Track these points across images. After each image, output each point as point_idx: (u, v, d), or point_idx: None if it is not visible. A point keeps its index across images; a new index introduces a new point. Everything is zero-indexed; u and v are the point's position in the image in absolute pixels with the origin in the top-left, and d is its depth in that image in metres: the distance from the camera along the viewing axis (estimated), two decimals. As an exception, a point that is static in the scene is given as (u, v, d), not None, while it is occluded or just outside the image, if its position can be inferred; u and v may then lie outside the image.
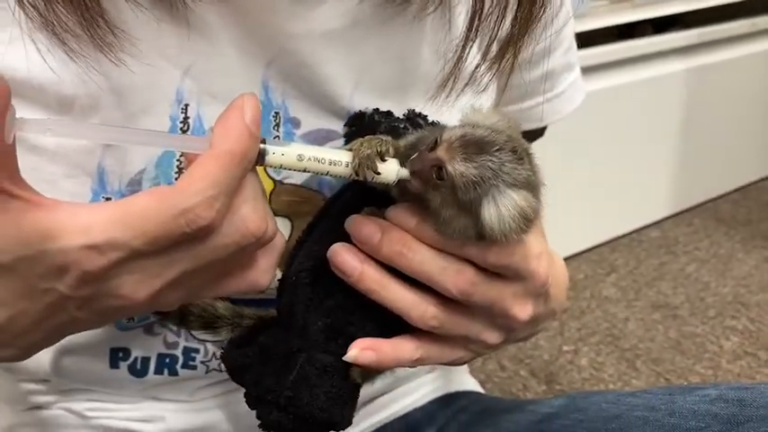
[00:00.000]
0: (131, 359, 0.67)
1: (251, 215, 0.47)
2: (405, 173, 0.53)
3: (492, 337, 0.60)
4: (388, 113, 0.63)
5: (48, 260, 0.44)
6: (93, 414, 0.71)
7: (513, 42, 0.66)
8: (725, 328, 1.90)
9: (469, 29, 0.64)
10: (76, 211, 0.44)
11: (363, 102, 0.64)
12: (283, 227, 0.65)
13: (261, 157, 0.50)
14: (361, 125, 0.63)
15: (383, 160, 0.53)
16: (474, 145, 0.51)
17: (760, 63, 2.52)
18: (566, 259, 2.02)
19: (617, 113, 2.16)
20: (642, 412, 0.66)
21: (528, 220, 0.51)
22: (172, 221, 0.44)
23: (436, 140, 0.52)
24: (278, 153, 0.51)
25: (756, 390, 0.61)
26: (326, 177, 0.64)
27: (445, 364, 0.61)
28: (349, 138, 0.63)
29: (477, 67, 0.67)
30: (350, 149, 0.53)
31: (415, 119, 0.63)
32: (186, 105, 0.60)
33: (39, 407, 0.72)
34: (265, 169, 0.64)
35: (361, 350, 0.56)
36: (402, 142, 0.57)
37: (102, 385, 0.70)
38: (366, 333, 0.57)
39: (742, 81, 2.49)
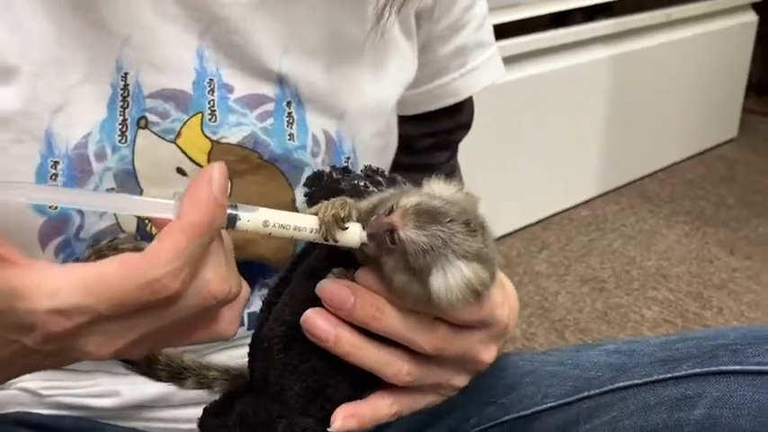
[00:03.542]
0: None
1: (213, 279, 0.49)
2: (364, 236, 0.55)
3: (461, 380, 0.63)
4: (346, 170, 0.66)
5: (15, 317, 0.46)
6: (49, 392, 0.74)
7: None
8: (647, 299, 2.02)
9: None
10: (47, 274, 0.46)
11: (292, 66, 0.70)
12: None
13: (232, 222, 0.53)
14: (320, 185, 0.64)
15: (345, 225, 0.55)
16: (427, 213, 0.53)
17: (677, 51, 2.64)
18: (500, 238, 2.13)
19: (548, 98, 2.25)
20: (552, 367, 0.75)
21: (475, 293, 0.53)
22: (137, 291, 0.46)
23: (392, 206, 0.54)
24: (244, 219, 0.53)
25: (645, 342, 0.71)
26: (263, 137, 0.70)
27: (417, 410, 0.63)
28: (310, 199, 0.64)
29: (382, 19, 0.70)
30: (314, 213, 0.55)
31: (374, 176, 0.64)
32: (126, 74, 0.65)
33: (-7, 388, 0.75)
34: (202, 128, 0.69)
35: (343, 420, 0.57)
36: (364, 204, 0.58)
37: None
38: (342, 393, 0.58)
39: (663, 68, 2.61)
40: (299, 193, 0.73)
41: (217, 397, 0.65)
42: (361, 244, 0.55)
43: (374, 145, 0.79)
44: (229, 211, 0.52)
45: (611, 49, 2.41)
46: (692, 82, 2.77)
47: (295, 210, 0.74)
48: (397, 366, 0.58)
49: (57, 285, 0.46)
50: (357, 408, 0.59)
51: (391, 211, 0.54)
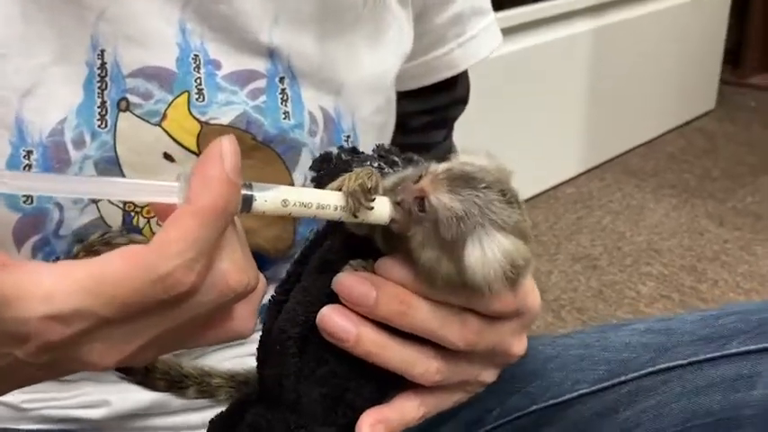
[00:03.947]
0: None
1: (231, 270, 0.43)
2: (393, 211, 0.49)
3: (490, 375, 0.58)
4: (354, 150, 0.60)
5: (4, 327, 0.40)
6: (31, 405, 0.69)
7: None
8: (641, 275, 2.00)
9: None
10: (40, 276, 0.40)
11: (284, 37, 0.65)
12: None
13: (247, 204, 0.46)
14: (328, 168, 0.58)
15: (372, 197, 0.49)
16: (460, 179, 0.48)
17: (655, 22, 2.63)
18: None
19: (529, 75, 2.22)
20: (578, 350, 0.70)
21: (516, 268, 0.47)
22: (147, 288, 0.40)
23: (421, 174, 0.49)
24: (261, 199, 0.47)
25: (679, 319, 0.66)
26: (255, 115, 0.64)
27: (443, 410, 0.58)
28: (318, 184, 0.57)
29: None
30: (338, 189, 0.49)
31: (387, 156, 0.58)
32: (102, 51, 0.60)
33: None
34: (189, 109, 0.63)
35: (371, 427, 0.52)
36: (385, 183, 0.52)
37: None
38: (365, 397, 0.53)
39: (641, 40, 2.60)
40: (298, 177, 0.68)
41: (222, 407, 0.59)
42: (390, 221, 0.49)
43: (374, 122, 0.74)
44: (243, 191, 0.46)
45: (593, 22, 2.38)
46: (670, 54, 2.76)
47: None
48: (426, 365, 0.53)
49: (51, 288, 0.40)
50: (383, 413, 0.53)
51: (419, 178, 0.49)
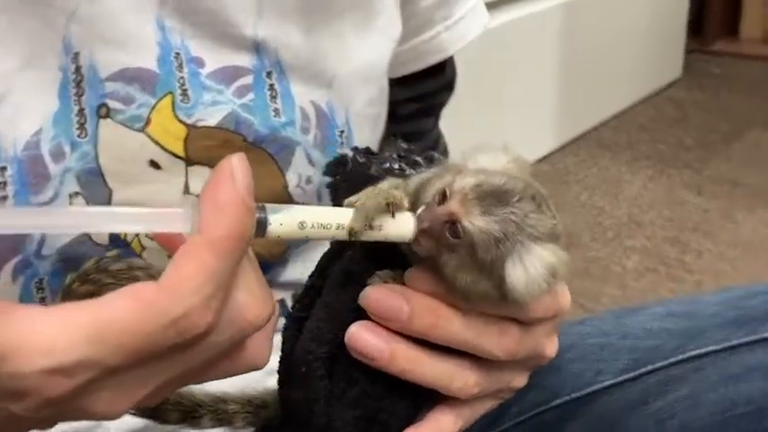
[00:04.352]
0: None
1: (248, 303, 0.40)
2: (413, 230, 0.46)
3: (521, 380, 0.56)
4: (369, 151, 0.56)
5: (1, 383, 0.36)
6: None
7: None
8: (625, 249, 2.00)
9: None
10: (40, 324, 0.36)
11: (270, 30, 0.61)
12: (204, 176, 0.61)
13: (261, 229, 0.42)
14: (344, 172, 0.55)
15: (393, 216, 0.46)
16: (491, 195, 0.44)
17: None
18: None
19: (500, 53, 2.19)
20: (596, 339, 0.67)
21: (556, 278, 0.45)
22: (159, 333, 0.36)
23: (445, 192, 0.46)
24: (276, 223, 0.43)
25: (700, 301, 0.64)
26: (244, 115, 0.61)
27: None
28: (335, 189, 0.55)
29: None
30: (354, 205, 0.46)
31: (408, 155, 0.55)
32: (76, 54, 0.56)
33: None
34: (174, 111, 0.59)
35: None
36: (408, 187, 0.50)
37: None
38: (399, 416, 0.51)
39: (611, 12, 2.59)
40: (292, 178, 0.65)
41: None
42: (412, 242, 0.46)
43: (368, 114, 0.72)
44: (257, 214, 0.42)
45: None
46: (637, 25, 2.77)
47: (289, 198, 0.66)
48: (464, 378, 0.50)
49: (51, 337, 0.35)
50: (421, 431, 0.50)
51: (444, 197, 0.45)
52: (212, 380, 0.43)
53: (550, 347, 0.54)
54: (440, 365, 0.49)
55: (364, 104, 0.70)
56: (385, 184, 0.47)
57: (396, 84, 0.79)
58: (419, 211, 0.46)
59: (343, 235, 0.45)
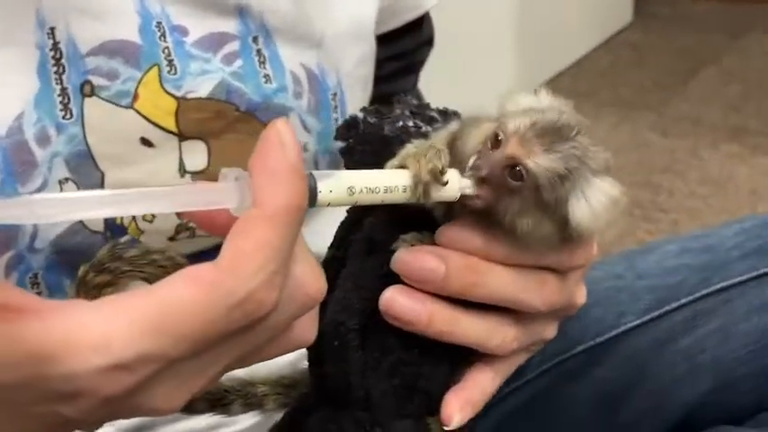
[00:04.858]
0: None
1: (308, 276, 0.38)
2: (466, 183, 0.44)
3: (553, 331, 0.54)
4: (378, 111, 0.53)
5: (47, 387, 0.33)
6: None
7: None
8: (597, 195, 2.00)
9: None
10: (85, 317, 0.33)
11: None
12: (199, 151, 0.59)
13: (312, 198, 0.40)
14: (357, 134, 0.52)
15: (444, 179, 0.43)
16: (550, 132, 0.43)
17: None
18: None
19: (455, 9, 2.16)
20: (611, 282, 0.67)
21: (620, 210, 0.44)
22: (223, 317, 0.34)
23: (497, 135, 0.44)
24: (326, 190, 0.41)
25: (714, 234, 0.63)
26: (235, 83, 0.59)
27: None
28: (349, 153, 0.52)
29: None
30: (401, 167, 0.44)
31: (423, 112, 0.53)
32: (52, 29, 0.53)
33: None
34: (161, 84, 0.56)
35: (460, 413, 0.48)
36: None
37: None
38: (439, 380, 0.49)
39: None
40: None
41: (274, 418, 0.53)
42: (463, 196, 0.44)
43: (359, 75, 0.70)
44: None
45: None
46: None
47: None
48: (502, 334, 0.49)
49: (105, 331, 0.32)
50: (465, 394, 0.49)
51: (497, 141, 0.43)
52: (262, 361, 0.41)
53: (580, 296, 0.53)
54: (478, 323, 0.48)
55: (355, 64, 0.68)
56: (429, 146, 0.45)
57: (376, 43, 0.78)
58: (471, 160, 0.44)
59: (403, 197, 0.43)
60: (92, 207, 0.35)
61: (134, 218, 0.58)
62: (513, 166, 0.43)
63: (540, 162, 0.42)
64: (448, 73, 2.18)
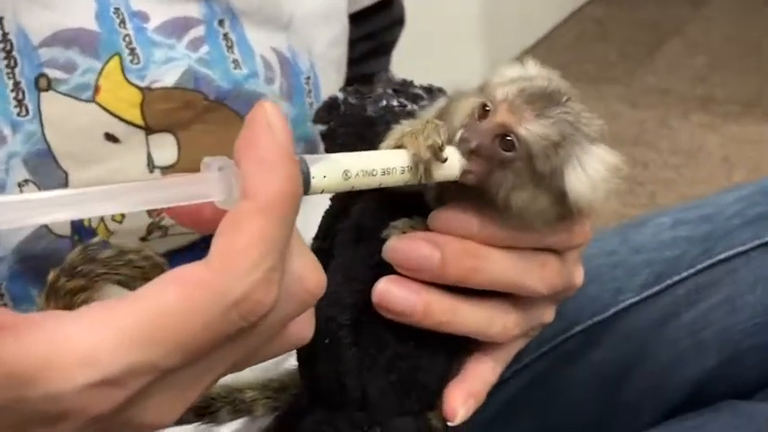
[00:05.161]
0: None
1: (307, 271, 0.35)
2: (463, 160, 0.41)
3: (551, 314, 0.52)
4: (358, 91, 0.50)
5: (32, 409, 0.30)
6: None
7: None
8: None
9: None
10: (67, 331, 0.30)
11: None
12: (168, 144, 0.55)
13: (305, 183, 0.37)
14: (338, 116, 0.49)
15: (444, 156, 0.40)
16: (540, 97, 0.40)
17: None
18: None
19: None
20: (604, 259, 0.65)
21: (620, 178, 0.42)
22: (220, 321, 0.31)
23: (485, 105, 0.41)
24: (319, 175, 0.37)
25: (711, 204, 0.61)
26: (202, 70, 0.55)
27: None
28: (331, 136, 0.49)
29: None
30: (398, 146, 0.41)
31: (405, 89, 0.49)
32: (0, 18, 0.49)
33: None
34: (124, 75, 0.53)
35: (464, 407, 0.46)
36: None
37: None
38: (438, 374, 0.47)
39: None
40: None
41: (262, 424, 0.50)
42: (463, 173, 0.42)
43: (333, 57, 0.67)
44: None
45: None
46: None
47: None
48: (503, 321, 0.46)
49: (90, 345, 0.29)
50: (467, 386, 0.47)
51: (485, 111, 0.40)
52: (258, 363, 0.38)
53: (578, 276, 0.50)
54: (478, 311, 0.45)
55: (327, 45, 0.65)
56: (427, 122, 0.41)
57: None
58: (458, 133, 0.41)
59: (402, 179, 0.40)
60: (59, 209, 0.31)
61: (102, 219, 0.54)
62: (503, 135, 0.40)
63: (531, 128, 0.40)
64: (414, 51, 2.15)
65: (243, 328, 0.32)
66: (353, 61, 0.78)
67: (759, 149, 1.97)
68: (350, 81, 0.78)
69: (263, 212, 0.32)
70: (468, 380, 0.47)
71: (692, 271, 0.58)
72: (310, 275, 0.35)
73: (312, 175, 0.37)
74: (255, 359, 0.37)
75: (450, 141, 0.41)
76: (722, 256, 0.56)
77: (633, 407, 0.60)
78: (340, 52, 0.67)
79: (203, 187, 0.34)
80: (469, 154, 0.41)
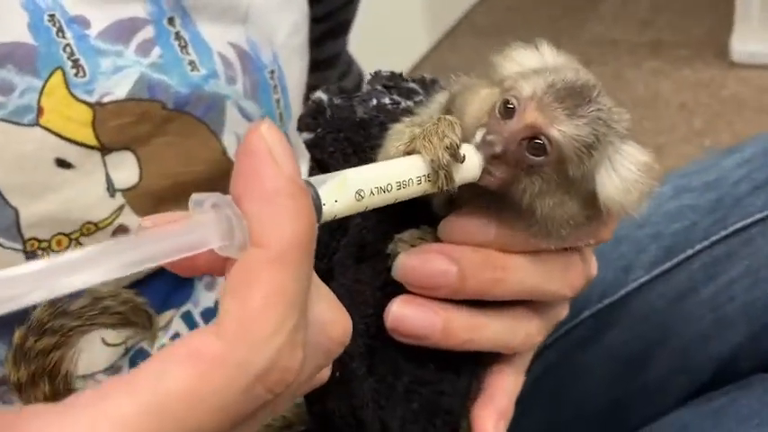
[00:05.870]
0: None
1: (330, 317, 0.30)
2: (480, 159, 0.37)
3: (566, 311, 0.49)
4: (342, 90, 0.45)
5: None
6: None
7: None
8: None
9: None
10: (69, 420, 0.25)
11: None
12: (127, 163, 0.50)
13: (317, 212, 0.32)
14: (326, 121, 0.44)
15: (463, 155, 0.36)
16: (571, 94, 0.36)
17: None
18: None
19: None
20: (607, 235, 0.61)
21: (653, 178, 0.38)
22: (243, 398, 0.26)
23: (508, 102, 0.36)
24: (330, 200, 0.33)
25: (714, 168, 0.58)
26: (156, 76, 0.50)
27: None
28: (318, 145, 0.43)
29: None
30: (410, 151, 0.36)
31: (398, 84, 0.45)
32: None
33: None
34: (69, 90, 0.47)
35: (495, 428, 0.42)
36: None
37: None
38: (461, 393, 0.43)
39: None
40: (229, 141, 0.54)
41: None
42: (484, 179, 0.37)
43: (295, 46, 0.62)
44: None
45: None
46: None
47: (232, 166, 0.55)
48: (525, 329, 0.43)
49: None
50: (494, 405, 0.43)
51: (507, 110, 0.36)
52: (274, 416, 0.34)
53: (593, 267, 0.47)
54: (499, 323, 0.41)
55: (289, 33, 0.60)
56: (438, 125, 0.37)
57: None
58: (478, 135, 0.36)
59: (421, 190, 0.36)
60: (33, 287, 0.25)
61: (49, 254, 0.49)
62: (532, 138, 0.36)
63: (564, 130, 0.36)
64: (357, 26, 2.09)
65: (267, 401, 0.27)
66: (312, 43, 0.73)
67: (714, 94, 1.97)
68: (311, 66, 0.74)
69: (278, 263, 0.27)
70: (494, 398, 0.43)
71: (705, 243, 0.55)
72: (334, 322, 0.30)
73: (323, 201, 0.32)
74: (272, 415, 0.32)
75: (465, 141, 0.37)
76: (738, 226, 0.53)
77: (655, 389, 0.57)
78: (302, 38, 0.62)
79: (199, 234, 0.29)
80: (493, 159, 0.36)
